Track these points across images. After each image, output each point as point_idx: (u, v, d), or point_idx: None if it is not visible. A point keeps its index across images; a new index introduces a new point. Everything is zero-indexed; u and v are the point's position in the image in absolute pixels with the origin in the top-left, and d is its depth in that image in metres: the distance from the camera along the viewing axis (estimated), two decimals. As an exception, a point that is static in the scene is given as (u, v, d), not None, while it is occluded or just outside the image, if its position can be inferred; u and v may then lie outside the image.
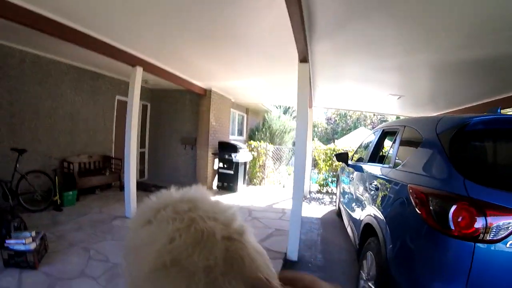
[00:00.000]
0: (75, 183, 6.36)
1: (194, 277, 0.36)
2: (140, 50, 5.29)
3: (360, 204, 3.87)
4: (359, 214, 3.81)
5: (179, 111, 9.20)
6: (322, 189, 9.62)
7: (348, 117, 28.61)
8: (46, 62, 6.19)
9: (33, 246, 3.57)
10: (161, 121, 9.52)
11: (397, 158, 3.11)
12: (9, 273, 3.39)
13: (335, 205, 7.13)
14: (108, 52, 4.85)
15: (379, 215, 2.84)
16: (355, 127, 25.75)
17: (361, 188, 4.04)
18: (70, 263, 3.76)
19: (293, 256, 4.32)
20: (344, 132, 26.76)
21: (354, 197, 4.44)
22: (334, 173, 9.33)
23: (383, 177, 3.16)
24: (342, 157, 5.87)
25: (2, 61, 5.38)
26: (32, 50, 5.79)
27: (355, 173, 4.77)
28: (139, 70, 5.57)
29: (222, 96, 9.28)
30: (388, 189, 2.87)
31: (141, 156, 9.51)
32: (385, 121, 25.10)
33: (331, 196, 8.82)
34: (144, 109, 9.47)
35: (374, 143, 4.42)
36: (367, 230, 3.20)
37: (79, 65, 6.93)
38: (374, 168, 3.77)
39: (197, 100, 8.74)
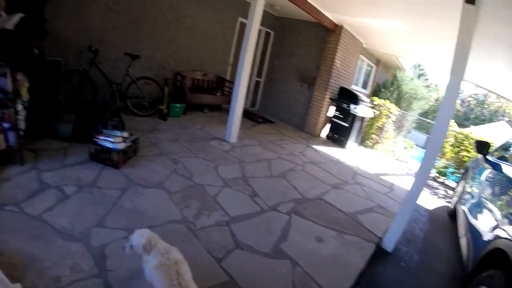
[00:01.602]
0: (184, 97, 6.30)
1: None
2: None
3: (494, 217, 2.68)
4: (487, 229, 2.67)
5: (303, 45, 8.16)
6: (439, 178, 7.57)
7: (486, 106, 23.25)
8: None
9: (121, 146, 3.47)
10: (282, 52, 8.71)
11: None
12: (91, 166, 3.36)
13: (450, 203, 5.43)
14: None
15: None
16: (491, 120, 21.12)
17: (503, 197, 2.84)
18: (153, 171, 3.59)
19: (389, 246, 3.34)
20: (477, 121, 22.29)
21: (486, 204, 3.11)
22: (457, 165, 7.30)
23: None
24: (483, 147, 4.23)
25: None
26: None
27: (497, 174, 3.42)
28: None
29: (353, 37, 7.80)
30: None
31: (256, 85, 9.13)
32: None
33: (446, 190, 6.85)
34: (266, 37, 8.78)
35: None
36: (493, 256, 2.27)
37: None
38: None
39: (324, 35, 7.52)
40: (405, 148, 9.38)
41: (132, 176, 3.34)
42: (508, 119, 21.45)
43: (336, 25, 7.16)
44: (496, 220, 2.58)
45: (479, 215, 3.16)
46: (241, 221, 3.00)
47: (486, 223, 2.79)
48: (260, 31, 8.34)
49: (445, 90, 3.04)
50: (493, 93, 10.90)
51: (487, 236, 2.55)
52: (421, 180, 3.20)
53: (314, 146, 6.62)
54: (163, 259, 1.76)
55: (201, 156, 4.39)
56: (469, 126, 17.90)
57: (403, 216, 3.27)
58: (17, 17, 3.32)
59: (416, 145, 11.65)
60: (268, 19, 8.33)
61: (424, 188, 6.15)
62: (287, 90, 8.53)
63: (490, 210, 2.90)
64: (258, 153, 5.19)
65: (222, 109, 7.71)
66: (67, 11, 4.83)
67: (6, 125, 2.94)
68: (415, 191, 3.21)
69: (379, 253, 3.20)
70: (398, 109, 9.19)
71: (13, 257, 1.94)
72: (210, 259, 2.36)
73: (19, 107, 3.06)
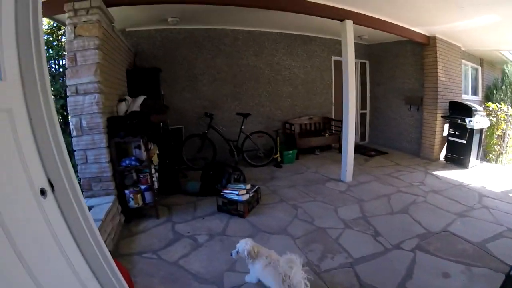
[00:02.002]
0: (295, 143, 6.58)
1: None
2: (347, 2, 4.71)
3: None
4: None
5: (400, 65, 7.72)
6: None
7: None
8: (258, 35, 6.63)
9: (245, 197, 3.80)
10: (381, 79, 8.39)
11: None
12: (219, 217, 3.75)
13: None
14: (314, 11, 4.60)
15: None
16: None
17: None
18: (276, 218, 3.76)
19: None
20: None
21: None
22: None
23: None
24: None
25: (218, 41, 6.22)
26: (242, 27, 6.37)
27: None
28: (349, 24, 4.95)
29: (449, 44, 7.05)
30: None
31: (362, 117, 8.87)
32: None
33: None
34: (362, 67, 8.65)
35: None
36: None
37: (290, 32, 7.01)
38: None
39: (419, 51, 7.02)
40: None
41: (257, 224, 3.56)
42: None
43: (428, 38, 6.61)
44: None
45: None
46: (364, 262, 2.87)
47: None
48: (355, 63, 8.31)
49: None
50: None
51: None
52: None
53: (434, 172, 5.93)
54: (268, 260, 2.22)
55: (319, 199, 4.40)
56: None
57: None
58: (140, 99, 4.16)
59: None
60: (360, 49, 8.21)
61: None
62: (395, 117, 8.02)
63: None
64: (375, 189, 4.92)
65: (332, 147, 7.70)
66: (180, 86, 5.95)
67: (143, 186, 3.61)
68: None
69: (510, 283, 2.64)
70: None
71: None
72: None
73: (152, 171, 3.71)
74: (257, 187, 4.18)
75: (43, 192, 1.30)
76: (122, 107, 3.90)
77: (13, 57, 1.27)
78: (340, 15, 4.84)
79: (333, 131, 7.49)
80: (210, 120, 5.77)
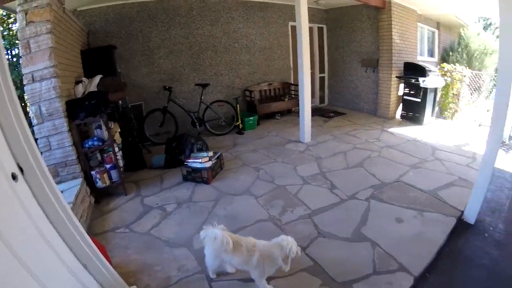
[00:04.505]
0: (256, 109, 6.82)
1: None
2: None
3: None
4: None
5: (357, 29, 7.95)
6: None
7: None
8: (213, 4, 6.57)
9: (208, 164, 4.03)
10: (339, 43, 8.62)
11: None
12: (186, 186, 4.02)
13: None
14: None
15: None
16: None
17: None
18: (239, 181, 4.07)
19: (471, 218, 3.10)
20: None
21: None
22: None
23: None
24: None
25: (173, 13, 6.14)
26: None
27: None
28: None
29: (405, 8, 7.32)
30: None
31: (321, 81, 9.17)
32: None
33: None
34: (320, 32, 8.81)
35: None
36: None
37: (245, -1, 7.05)
38: None
39: (376, 15, 7.25)
40: (488, 110, 8.36)
41: (222, 188, 3.86)
42: None
43: (384, 2, 6.86)
44: None
45: None
46: (322, 212, 3.21)
47: None
48: (312, 28, 8.45)
49: (499, 37, 2.75)
50: None
51: None
52: (494, 141, 2.91)
53: (390, 130, 6.40)
54: (258, 252, 2.12)
55: (279, 160, 4.74)
56: None
57: (482, 183, 3.03)
58: (97, 79, 4.21)
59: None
60: (317, 14, 8.40)
61: (508, 151, 5.49)
62: (353, 79, 8.39)
63: None
64: (333, 147, 5.29)
65: (293, 111, 7.99)
66: (136, 61, 5.91)
67: (108, 165, 3.75)
68: (490, 152, 2.93)
69: (461, 227, 3.05)
70: (470, 70, 8.30)
71: (128, 266, 2.51)
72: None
73: (116, 149, 3.84)
74: (219, 153, 4.42)
75: (14, 176, 1.42)
76: (80, 89, 3.92)
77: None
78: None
79: (293, 96, 7.77)
80: (169, 93, 5.82)
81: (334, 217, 3.13)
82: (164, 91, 5.85)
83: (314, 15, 8.32)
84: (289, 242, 2.09)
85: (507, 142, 5.95)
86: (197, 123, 6.07)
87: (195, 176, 4.03)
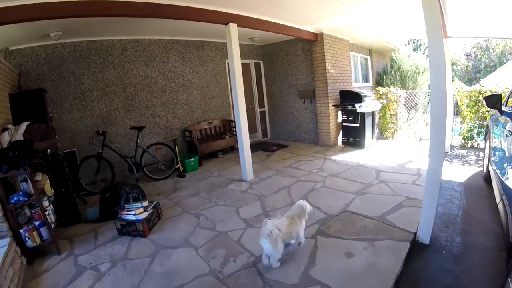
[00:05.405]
0: (196, 149, 6.63)
1: None
2: (231, 6, 4.92)
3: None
4: None
5: (292, 63, 8.38)
6: (466, 143, 7.13)
7: (491, 50, 21.91)
8: (147, 43, 6.49)
9: (143, 215, 3.72)
10: (276, 77, 8.97)
11: None
12: (121, 241, 3.65)
13: (482, 166, 5.14)
14: (198, 17, 4.70)
15: None
16: (501, 63, 19.63)
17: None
18: (178, 230, 3.79)
19: (425, 237, 3.13)
20: (489, 69, 21.01)
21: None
22: (482, 123, 6.89)
23: None
24: (493, 101, 4.04)
25: (106, 53, 5.94)
26: (130, 36, 6.19)
27: None
28: (233, 27, 5.14)
29: (337, 39, 7.94)
30: None
31: (262, 115, 9.38)
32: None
33: (477, 153, 6.47)
34: (257, 67, 9.15)
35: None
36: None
37: (181, 38, 7.04)
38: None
39: (309, 47, 7.74)
40: (427, 124, 9.11)
41: (160, 240, 3.56)
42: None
43: (316, 35, 7.31)
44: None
45: (509, 171, 2.87)
46: None
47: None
48: (249, 64, 8.73)
49: (429, 61, 2.92)
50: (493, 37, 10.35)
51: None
52: (437, 155, 2.95)
53: (332, 157, 6.61)
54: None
55: (221, 203, 4.56)
56: (480, 79, 16.79)
57: (430, 200, 3.04)
58: (23, 126, 3.82)
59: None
60: (253, 51, 8.74)
61: (452, 161, 5.92)
62: (292, 111, 8.69)
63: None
64: (276, 183, 5.26)
65: (236, 148, 7.91)
66: (68, 105, 5.52)
67: (36, 223, 3.33)
68: (434, 169, 2.98)
69: (417, 249, 3.05)
70: (405, 90, 9.06)
71: None
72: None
73: (45, 203, 3.46)
74: (155, 202, 4.13)
75: None
76: (6, 137, 3.50)
77: None
78: (224, 18, 5.02)
79: (234, 132, 7.75)
80: (104, 139, 5.46)
81: (280, 261, 2.93)
82: (98, 136, 5.48)
83: (251, 51, 8.60)
84: (304, 203, 3.15)
85: (449, 152, 6.41)
86: (134, 169, 5.74)
87: (130, 230, 3.69)
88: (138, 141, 5.80)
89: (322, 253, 3.03)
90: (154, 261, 3.15)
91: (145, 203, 3.98)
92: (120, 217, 3.76)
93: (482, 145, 6.92)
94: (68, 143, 5.44)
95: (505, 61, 19.65)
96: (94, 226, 4.12)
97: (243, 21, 5.30)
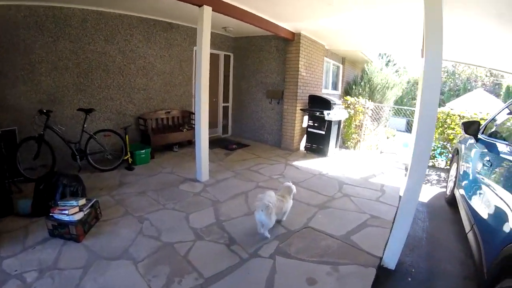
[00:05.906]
0: (149, 140, 6.14)
1: None
2: None
3: (507, 210, 2.23)
4: (501, 224, 2.26)
5: (265, 60, 8.11)
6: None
7: (457, 75, 23.50)
8: (111, 17, 5.86)
9: (78, 216, 3.29)
10: (245, 72, 8.65)
11: None
12: (52, 244, 3.17)
13: (446, 188, 5.30)
14: None
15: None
16: (465, 89, 21.33)
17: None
18: (118, 236, 3.38)
19: (391, 263, 3.03)
20: (452, 93, 22.50)
21: (491, 193, 2.75)
22: (444, 143, 7.30)
23: None
24: (473, 128, 4.10)
25: (64, 23, 5.25)
26: (93, 7, 5.52)
27: (495, 156, 3.14)
28: (207, 10, 4.70)
29: (314, 42, 7.81)
30: None
31: (225, 110, 9.04)
32: (499, 84, 20.37)
33: (438, 173, 6.77)
34: (226, 60, 8.77)
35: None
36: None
37: (149, 16, 6.46)
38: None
39: (284, 46, 7.50)
40: (388, 137, 9.35)
41: (95, 248, 3.13)
42: (482, 82, 21.66)
43: (293, 34, 7.11)
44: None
45: (485, 204, 2.80)
46: (218, 280, 2.72)
47: (497, 214, 2.42)
48: (218, 55, 8.33)
49: (423, 76, 2.76)
50: (461, 63, 10.98)
51: (503, 233, 2.18)
52: (417, 178, 2.78)
53: (294, 163, 6.48)
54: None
55: (169, 207, 4.18)
56: (444, 102, 17.83)
57: (404, 224, 2.90)
58: None
59: (398, 130, 12.13)
60: (225, 42, 8.33)
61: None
62: (257, 110, 8.46)
63: (500, 199, 2.45)
64: (233, 186, 4.98)
65: (193, 143, 7.52)
66: (14, 77, 4.77)
67: None
68: (413, 192, 2.79)
69: (382, 276, 2.93)
70: (373, 102, 9.23)
71: None
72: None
73: None
74: (93, 201, 3.65)
75: None
76: None
77: None
78: (199, 0, 4.59)
79: (193, 125, 7.32)
80: (47, 119, 4.78)
81: (233, 285, 2.67)
82: (40, 116, 4.77)
83: (222, 42, 8.22)
84: (291, 185, 3.87)
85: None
86: (78, 156, 5.13)
87: (62, 232, 3.21)
88: (85, 126, 5.19)
89: (281, 277, 2.78)
90: (86, 275, 2.71)
91: (82, 202, 3.52)
92: (52, 216, 3.27)
93: (442, 165, 7.22)
94: (10, 120, 4.72)
95: (469, 87, 21.14)
96: (26, 221, 3.58)
97: (219, 6, 4.93)
